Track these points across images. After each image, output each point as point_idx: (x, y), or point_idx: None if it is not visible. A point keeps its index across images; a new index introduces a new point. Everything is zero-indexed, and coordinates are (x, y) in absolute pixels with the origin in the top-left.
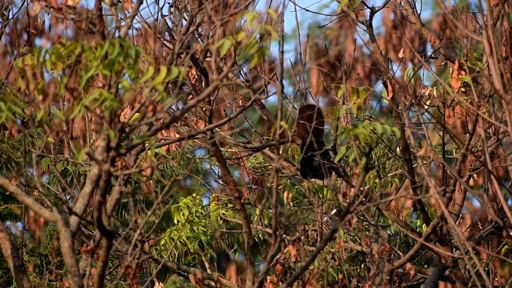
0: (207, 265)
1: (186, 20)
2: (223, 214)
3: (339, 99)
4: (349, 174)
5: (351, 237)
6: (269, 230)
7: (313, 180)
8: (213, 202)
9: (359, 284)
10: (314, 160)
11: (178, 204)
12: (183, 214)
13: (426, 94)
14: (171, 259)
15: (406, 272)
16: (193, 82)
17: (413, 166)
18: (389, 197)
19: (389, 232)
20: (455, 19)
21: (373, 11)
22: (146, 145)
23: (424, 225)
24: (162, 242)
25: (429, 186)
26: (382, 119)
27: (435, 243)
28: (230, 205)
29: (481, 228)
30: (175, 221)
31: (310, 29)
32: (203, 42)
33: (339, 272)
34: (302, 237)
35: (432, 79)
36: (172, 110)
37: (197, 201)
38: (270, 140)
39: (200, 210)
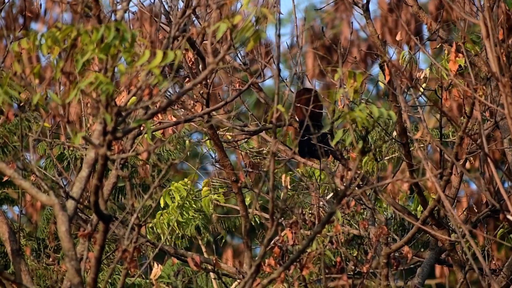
0: (203, 249)
1: (182, 2)
2: (215, 199)
3: (335, 82)
4: (346, 157)
5: (348, 220)
6: (265, 215)
7: (309, 163)
8: (205, 187)
9: (357, 267)
10: (312, 142)
11: (169, 188)
12: (173, 198)
13: (422, 77)
14: (167, 243)
15: (403, 255)
16: (189, 65)
17: (410, 149)
18: (386, 180)
19: (386, 214)
20: (452, 1)
21: None
22: (142, 129)
23: (420, 208)
24: (150, 225)
25: (425, 170)
26: (378, 103)
27: (432, 226)
28: (221, 190)
29: (477, 211)
30: (162, 204)
31: (306, 12)
32: (200, 24)
33: (336, 255)
34: (299, 221)
35: (429, 62)
36: (168, 94)
37: (189, 186)
38: (267, 124)
39: (191, 194)
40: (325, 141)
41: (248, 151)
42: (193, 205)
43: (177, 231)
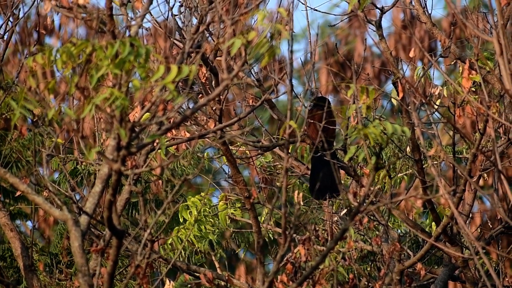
0: (217, 265)
1: (196, 19)
2: (232, 213)
3: (349, 98)
4: (359, 173)
5: (362, 236)
6: (279, 230)
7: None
8: (222, 202)
9: (369, 284)
10: (324, 175)
11: (186, 203)
12: (191, 213)
13: (436, 93)
14: (180, 259)
15: (416, 272)
16: (203, 81)
17: (423, 166)
18: (399, 196)
19: (399, 231)
20: (465, 18)
21: (382, 11)
22: (156, 144)
23: (434, 225)
24: (170, 241)
25: (439, 186)
26: (392, 119)
27: (445, 243)
28: (238, 205)
29: (491, 228)
30: (181, 220)
31: (320, 29)
32: (213, 41)
33: (349, 272)
34: (312, 237)
35: (442, 79)
36: (182, 109)
37: (206, 200)
38: (280, 139)
39: (208, 209)
40: (337, 158)
41: (262, 166)
42: (210, 219)
43: (192, 247)
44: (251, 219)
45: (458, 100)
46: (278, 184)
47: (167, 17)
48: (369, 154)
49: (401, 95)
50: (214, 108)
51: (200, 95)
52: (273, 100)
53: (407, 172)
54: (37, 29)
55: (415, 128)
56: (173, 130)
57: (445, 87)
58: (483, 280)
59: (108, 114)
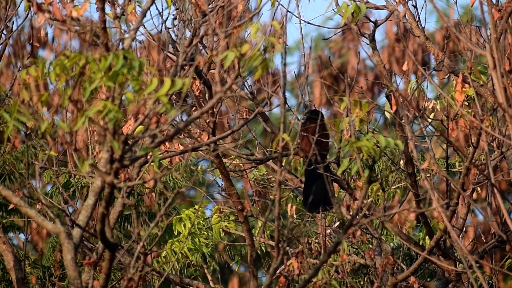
0: (209, 278)
1: (190, 32)
2: (226, 226)
3: (342, 111)
4: (352, 186)
5: (355, 250)
6: (272, 243)
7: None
8: (215, 214)
9: None
10: (318, 188)
11: (180, 216)
12: (185, 226)
13: (430, 107)
14: (173, 272)
15: (409, 285)
16: (196, 94)
17: (417, 179)
18: (392, 209)
19: (392, 245)
20: (459, 32)
21: (376, 25)
22: (149, 157)
23: (427, 238)
24: (164, 254)
25: (432, 199)
26: (385, 132)
27: (438, 256)
28: (232, 217)
29: (484, 241)
30: (176, 233)
31: (314, 42)
32: (207, 53)
33: (342, 285)
34: (305, 250)
35: (436, 92)
36: (175, 122)
37: (200, 213)
38: (273, 152)
39: (202, 222)
40: (330, 171)
41: (255, 179)
42: (204, 232)
43: (185, 260)
44: (244, 232)
45: (451, 114)
46: (271, 197)
47: (161, 30)
48: (362, 167)
49: (394, 108)
50: (207, 121)
51: (194, 108)
52: (266, 113)
53: (400, 184)
54: (31, 41)
55: (408, 141)
56: (166, 143)
57: (438, 101)
58: None
59: (101, 126)
